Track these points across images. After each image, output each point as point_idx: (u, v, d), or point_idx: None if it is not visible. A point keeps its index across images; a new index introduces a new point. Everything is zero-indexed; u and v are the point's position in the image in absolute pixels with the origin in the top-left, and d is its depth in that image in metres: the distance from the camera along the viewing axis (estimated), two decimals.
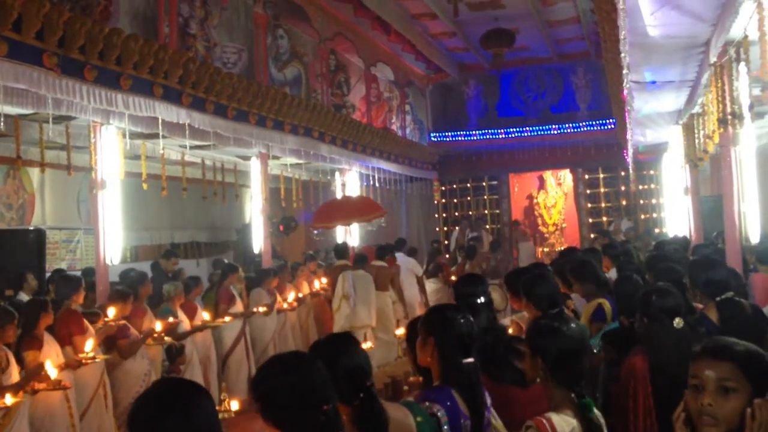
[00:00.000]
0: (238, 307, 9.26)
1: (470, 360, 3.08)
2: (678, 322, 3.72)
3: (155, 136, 7.88)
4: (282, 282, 10.38)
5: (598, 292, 5.16)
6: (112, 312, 6.71)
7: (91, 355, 6.16)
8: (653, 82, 7.76)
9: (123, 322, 6.91)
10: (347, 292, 10.06)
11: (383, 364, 8.91)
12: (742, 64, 5.16)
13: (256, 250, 11.00)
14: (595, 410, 2.96)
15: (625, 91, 8.19)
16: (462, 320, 3.15)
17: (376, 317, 10.32)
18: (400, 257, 12.30)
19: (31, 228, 9.73)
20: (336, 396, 2.45)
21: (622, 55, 6.50)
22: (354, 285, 10.11)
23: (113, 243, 7.71)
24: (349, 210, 12.30)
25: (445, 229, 19.59)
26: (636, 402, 3.66)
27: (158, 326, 7.36)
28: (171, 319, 7.67)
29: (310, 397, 2.38)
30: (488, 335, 3.59)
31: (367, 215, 12.43)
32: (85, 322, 6.56)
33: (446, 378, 3.07)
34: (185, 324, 8.23)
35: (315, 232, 13.03)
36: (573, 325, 3.07)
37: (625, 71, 7.03)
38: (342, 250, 11.42)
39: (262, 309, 9.37)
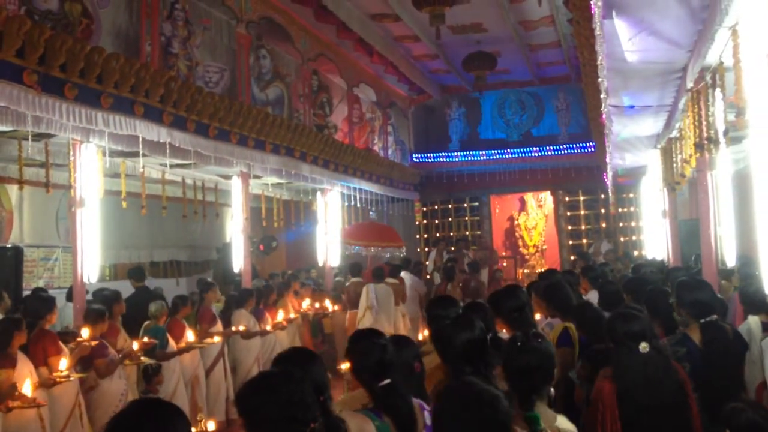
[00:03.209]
0: (218, 326, 9.20)
1: (386, 382, 3.16)
2: (644, 346, 3.75)
3: (135, 154, 7.86)
4: (268, 303, 10.33)
5: (566, 316, 5.17)
6: (87, 330, 6.64)
7: (65, 374, 6.10)
8: (632, 107, 7.84)
9: (98, 341, 6.83)
10: (371, 303, 11.27)
11: None
12: (718, 90, 5.24)
13: (236, 270, 10.96)
14: (562, 425, 3.00)
15: (604, 115, 8.27)
16: (375, 344, 3.26)
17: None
18: (405, 275, 13.41)
19: (9, 245, 9.63)
20: (321, 417, 2.50)
21: (600, 79, 6.57)
22: (376, 297, 11.35)
23: (91, 261, 7.64)
24: (375, 235, 14.67)
25: (426, 249, 19.62)
26: (604, 426, 3.68)
27: (135, 345, 7.30)
28: (146, 339, 7.59)
29: (299, 413, 2.41)
30: None
31: (387, 243, 14.68)
32: (60, 342, 6.49)
33: (373, 401, 3.18)
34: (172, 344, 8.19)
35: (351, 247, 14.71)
36: (539, 341, 3.12)
37: (603, 95, 7.11)
38: (357, 269, 12.62)
39: (241, 328, 9.30)
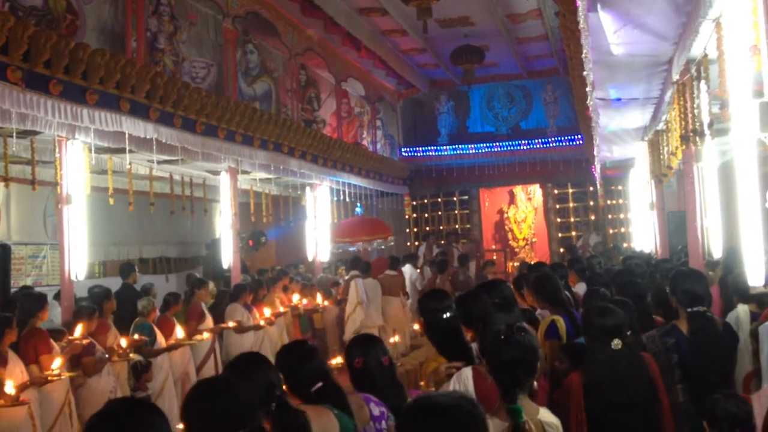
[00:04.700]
0: (209, 323, 9.18)
1: (318, 385, 3.20)
2: (616, 343, 3.77)
3: (122, 150, 7.83)
4: (257, 298, 10.32)
5: (553, 308, 5.19)
6: (78, 328, 6.62)
7: (56, 372, 6.08)
8: (618, 99, 7.86)
9: (88, 340, 6.82)
10: (361, 298, 11.55)
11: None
12: (703, 82, 5.25)
13: (225, 265, 10.94)
14: (544, 418, 3.02)
15: (591, 108, 8.29)
16: (302, 353, 3.32)
17: (389, 319, 12.03)
18: (408, 269, 14.05)
19: None
20: (257, 420, 2.56)
21: (586, 72, 6.59)
22: (365, 291, 11.63)
23: (79, 258, 7.61)
24: (359, 230, 15.26)
25: (416, 243, 19.64)
26: (568, 416, 3.71)
27: (123, 342, 7.28)
28: (137, 336, 7.58)
29: (226, 422, 2.46)
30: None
31: (373, 236, 15.32)
32: (51, 340, 6.47)
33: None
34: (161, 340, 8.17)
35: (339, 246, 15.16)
36: (522, 334, 3.14)
37: (588, 88, 7.12)
38: (356, 262, 12.69)
39: (232, 324, 9.29)
